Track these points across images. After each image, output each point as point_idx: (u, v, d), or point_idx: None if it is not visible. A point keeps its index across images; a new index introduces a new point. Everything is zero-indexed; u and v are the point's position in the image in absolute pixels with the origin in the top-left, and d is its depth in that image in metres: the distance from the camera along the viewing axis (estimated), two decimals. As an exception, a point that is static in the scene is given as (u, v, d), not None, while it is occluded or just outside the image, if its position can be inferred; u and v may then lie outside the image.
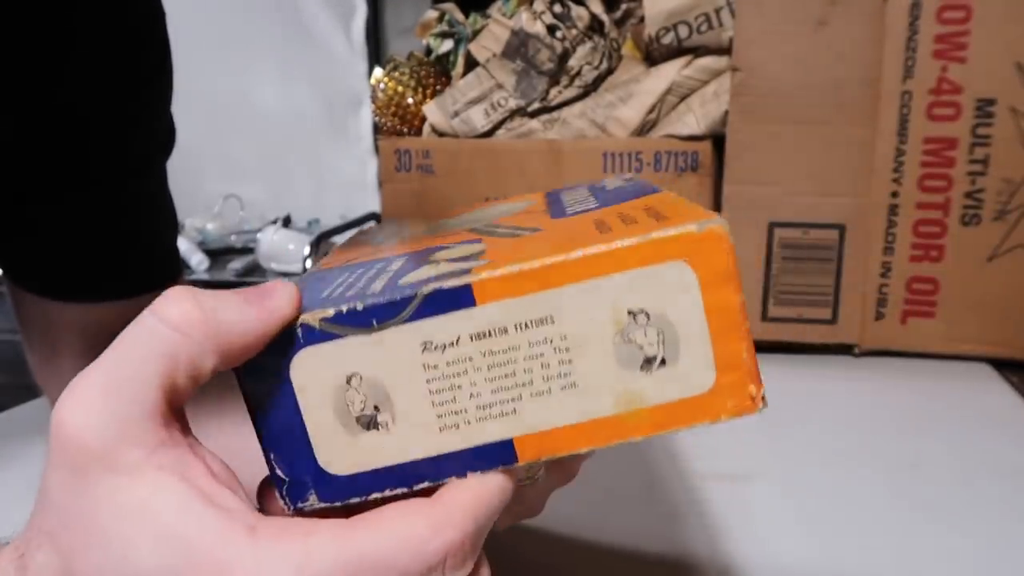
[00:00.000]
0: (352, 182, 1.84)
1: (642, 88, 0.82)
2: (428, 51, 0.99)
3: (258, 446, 0.25)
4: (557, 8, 0.86)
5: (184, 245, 1.53)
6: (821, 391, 0.68)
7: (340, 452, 0.24)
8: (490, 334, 0.23)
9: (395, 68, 0.96)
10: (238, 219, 1.78)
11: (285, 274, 1.47)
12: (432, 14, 0.99)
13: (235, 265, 1.56)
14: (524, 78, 0.86)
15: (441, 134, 0.90)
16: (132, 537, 0.21)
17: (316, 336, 0.24)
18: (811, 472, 0.54)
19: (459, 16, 0.97)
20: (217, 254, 1.65)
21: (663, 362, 0.23)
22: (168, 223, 0.52)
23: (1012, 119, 0.69)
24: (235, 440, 0.28)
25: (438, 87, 0.95)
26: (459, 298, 0.23)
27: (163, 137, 0.49)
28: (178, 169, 0.53)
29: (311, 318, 0.24)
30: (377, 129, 0.99)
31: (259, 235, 1.55)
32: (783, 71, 0.72)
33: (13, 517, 0.26)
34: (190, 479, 0.22)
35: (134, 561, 0.21)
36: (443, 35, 0.97)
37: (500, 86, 0.87)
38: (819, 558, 0.43)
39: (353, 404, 0.24)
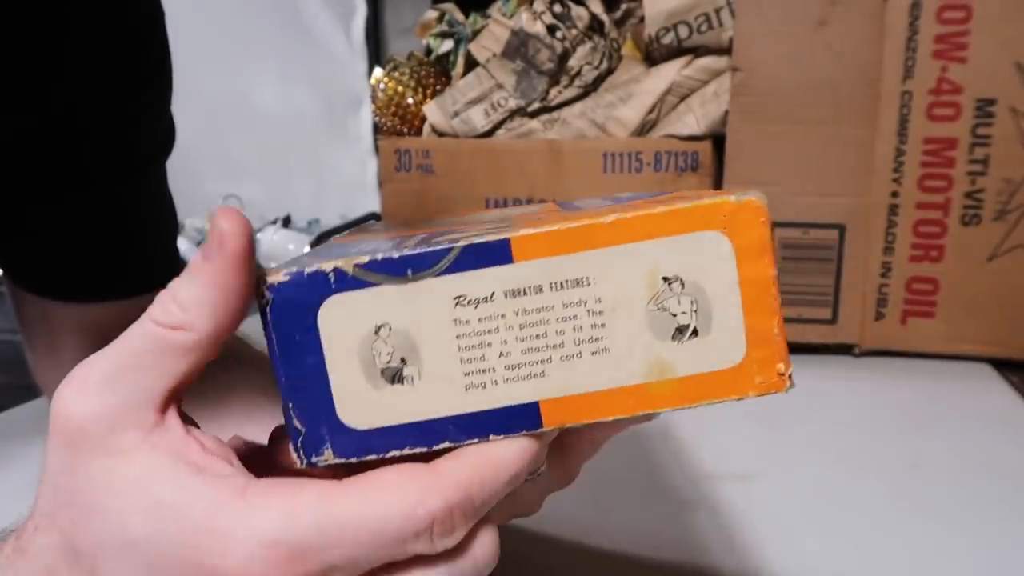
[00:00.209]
0: (352, 182, 1.84)
1: (642, 88, 0.82)
2: (428, 51, 0.99)
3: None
4: (557, 8, 0.86)
5: (184, 245, 1.53)
6: (821, 391, 0.68)
7: (361, 405, 0.24)
8: (524, 292, 0.23)
9: (395, 68, 0.96)
10: (238, 219, 1.77)
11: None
12: (432, 14, 0.99)
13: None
14: (524, 78, 0.86)
15: (441, 134, 0.90)
16: (127, 510, 0.22)
17: (348, 282, 0.23)
18: (811, 472, 0.54)
19: (459, 16, 0.97)
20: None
21: (695, 332, 0.23)
22: (168, 223, 0.52)
23: (1012, 119, 0.69)
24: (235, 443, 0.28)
25: (438, 87, 0.95)
26: (496, 253, 0.23)
27: (163, 137, 0.49)
28: (178, 169, 0.53)
29: (345, 263, 0.23)
30: (377, 129, 0.99)
31: (259, 235, 1.55)
32: (783, 71, 0.72)
33: (13, 516, 0.26)
34: (182, 455, 0.23)
35: (131, 531, 0.22)
36: (443, 35, 0.97)
37: (500, 86, 0.87)
38: (819, 558, 0.43)
39: (379, 355, 0.23)
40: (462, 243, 0.23)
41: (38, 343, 0.49)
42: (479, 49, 0.90)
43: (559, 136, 0.85)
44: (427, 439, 0.24)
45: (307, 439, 0.24)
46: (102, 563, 0.22)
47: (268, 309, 0.24)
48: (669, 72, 0.82)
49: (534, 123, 0.86)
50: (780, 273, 0.23)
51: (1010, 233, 0.71)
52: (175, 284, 0.23)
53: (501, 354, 0.23)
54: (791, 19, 0.71)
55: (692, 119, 0.80)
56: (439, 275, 0.23)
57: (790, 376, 0.24)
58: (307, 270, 0.23)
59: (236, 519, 0.22)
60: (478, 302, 0.23)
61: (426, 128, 0.92)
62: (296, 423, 0.24)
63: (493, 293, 0.23)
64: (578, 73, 0.85)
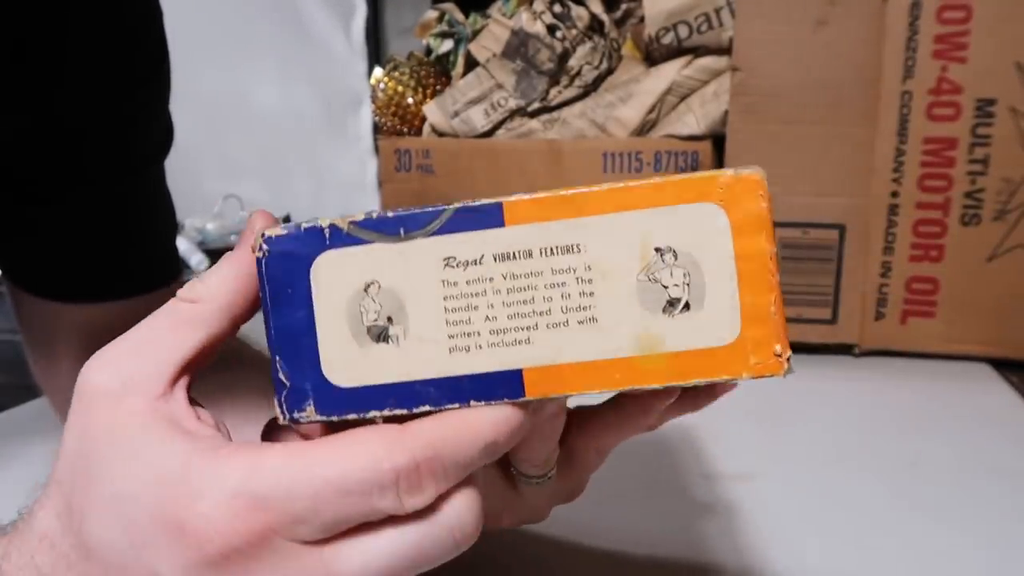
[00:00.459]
0: (352, 182, 1.84)
1: (642, 88, 0.82)
2: (428, 51, 0.99)
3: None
4: (557, 8, 0.86)
5: (184, 245, 1.52)
6: (821, 391, 0.68)
7: (345, 362, 0.24)
8: (514, 256, 0.23)
9: (395, 68, 0.96)
10: (238, 219, 1.78)
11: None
12: (432, 14, 0.99)
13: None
14: (524, 78, 0.86)
15: (441, 134, 0.90)
16: (115, 466, 0.23)
17: (342, 239, 0.24)
18: (811, 472, 0.54)
19: (459, 16, 0.97)
20: (217, 254, 1.64)
21: (687, 306, 0.23)
22: (167, 223, 0.52)
23: (1012, 119, 0.69)
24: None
25: (438, 87, 0.95)
26: (489, 216, 0.23)
27: (161, 137, 0.49)
28: (178, 169, 0.53)
29: (340, 221, 0.24)
30: (377, 129, 0.99)
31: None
32: (783, 71, 0.72)
33: (13, 516, 0.26)
34: (176, 421, 0.24)
35: (116, 486, 0.23)
36: (443, 35, 0.97)
37: (500, 86, 0.87)
38: (819, 558, 0.43)
39: (367, 313, 0.24)
40: (455, 205, 0.23)
41: (37, 343, 0.49)
42: (479, 49, 0.90)
43: (559, 136, 0.85)
44: (408, 401, 0.24)
45: (291, 394, 0.24)
46: (88, 518, 0.23)
47: (263, 261, 0.24)
48: (669, 72, 0.82)
49: (534, 123, 0.86)
50: (780, 273, 0.23)
51: (1010, 233, 0.71)
52: (206, 270, 0.25)
53: (487, 318, 0.23)
54: (791, 19, 0.71)
55: (692, 119, 0.80)
56: (431, 235, 0.23)
57: (788, 360, 0.23)
58: (304, 225, 0.24)
59: (205, 472, 0.22)
60: (467, 264, 0.23)
61: (426, 128, 0.92)
62: (281, 376, 0.24)
63: (483, 256, 0.23)
64: (578, 73, 0.85)
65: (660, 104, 0.82)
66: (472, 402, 0.23)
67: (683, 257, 0.23)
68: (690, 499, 0.50)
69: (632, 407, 0.30)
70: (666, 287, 0.23)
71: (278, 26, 1.81)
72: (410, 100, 0.94)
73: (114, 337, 0.25)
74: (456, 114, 0.88)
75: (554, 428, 0.29)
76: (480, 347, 0.23)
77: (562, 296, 0.23)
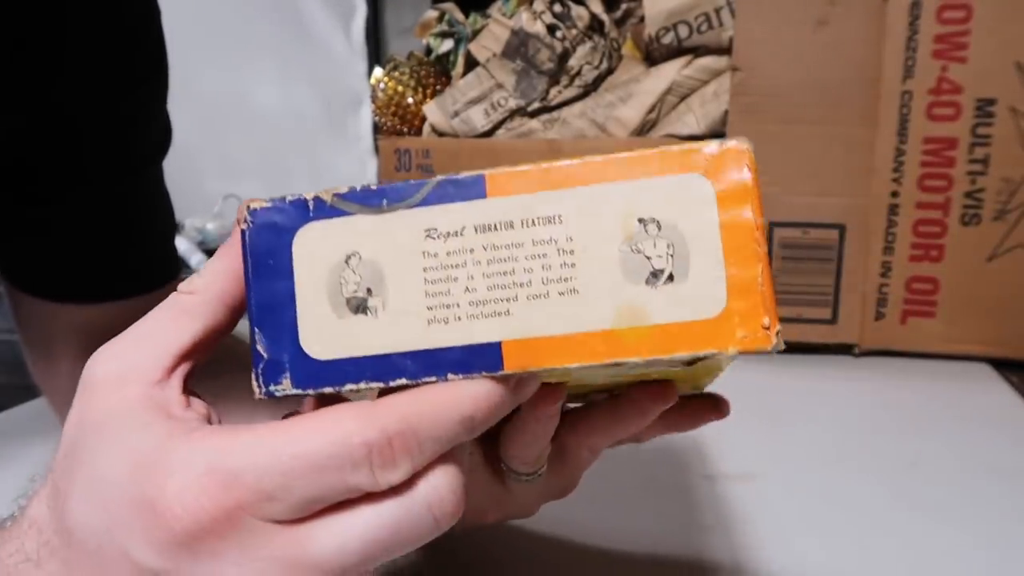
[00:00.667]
0: (352, 182, 1.84)
1: (642, 88, 0.82)
2: (428, 51, 0.99)
3: None
4: (557, 8, 0.86)
5: (184, 245, 1.52)
6: (821, 391, 0.68)
7: (323, 334, 0.24)
8: (495, 227, 0.23)
9: (395, 68, 0.96)
10: (238, 219, 1.77)
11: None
12: (432, 14, 0.99)
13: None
14: (524, 78, 0.86)
15: (441, 134, 0.90)
16: (99, 449, 0.23)
17: (325, 210, 0.24)
18: (811, 472, 0.54)
19: (459, 16, 0.97)
20: (217, 254, 1.65)
21: (671, 277, 0.22)
22: (166, 223, 0.52)
23: (1012, 119, 0.69)
24: None
25: (438, 87, 0.95)
26: (470, 188, 0.23)
27: (159, 137, 0.49)
28: (177, 169, 0.53)
29: (324, 193, 0.24)
30: (377, 129, 0.99)
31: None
32: (783, 71, 0.72)
33: (4, 514, 0.26)
34: (165, 407, 0.24)
35: (97, 468, 0.23)
36: (443, 35, 0.97)
37: (500, 86, 0.87)
38: (819, 557, 0.43)
39: (347, 284, 0.24)
40: (439, 177, 0.23)
41: (36, 344, 0.49)
42: (479, 49, 0.90)
43: (559, 136, 0.84)
44: (385, 374, 0.23)
45: (268, 366, 0.24)
46: (69, 500, 0.23)
47: (247, 233, 0.24)
48: (669, 72, 0.82)
49: (534, 123, 0.86)
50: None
51: (1010, 233, 0.71)
52: (205, 264, 0.26)
53: (467, 289, 0.23)
54: (791, 19, 0.71)
55: (692, 119, 0.80)
56: (413, 207, 0.23)
57: (777, 333, 0.22)
58: (288, 198, 0.24)
59: (178, 452, 0.22)
60: (448, 235, 0.23)
61: (426, 128, 0.92)
62: (259, 348, 0.24)
63: (464, 228, 0.23)
64: (578, 73, 0.85)
65: (660, 104, 0.82)
66: (450, 376, 0.23)
67: (667, 228, 0.22)
68: (688, 499, 0.50)
69: (626, 407, 0.30)
70: (649, 258, 0.22)
71: (278, 26, 1.81)
72: (410, 100, 0.94)
73: (114, 335, 0.25)
74: (456, 114, 0.88)
75: (547, 427, 0.29)
76: (459, 319, 0.23)
77: (543, 267, 0.23)
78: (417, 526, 0.22)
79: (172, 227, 0.53)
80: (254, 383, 0.24)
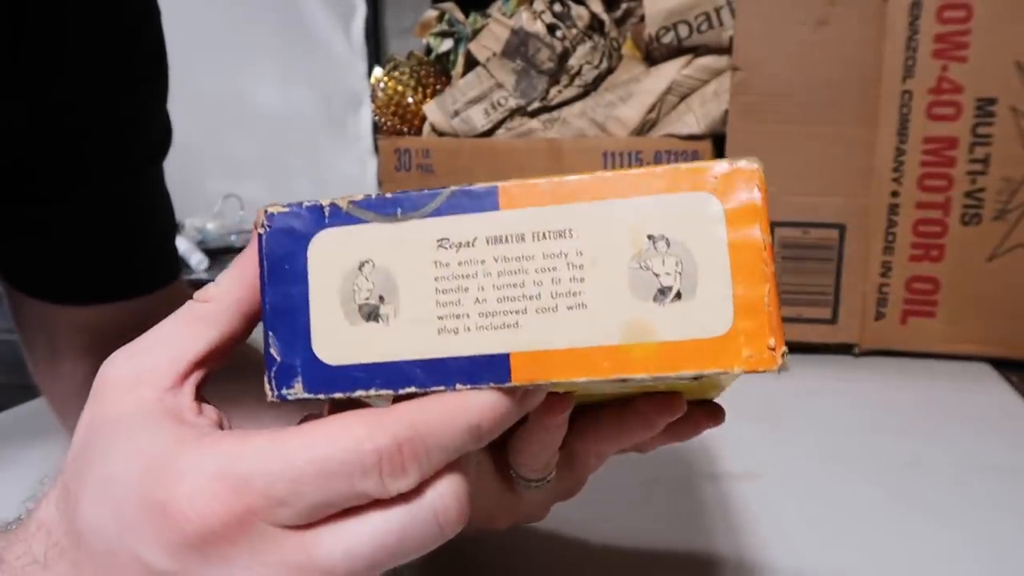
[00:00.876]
0: (352, 182, 1.84)
1: (642, 87, 0.82)
2: (428, 51, 0.99)
3: None
4: (557, 7, 0.86)
5: (184, 245, 1.52)
6: (821, 391, 0.68)
7: (336, 340, 0.24)
8: (506, 239, 0.23)
9: (395, 68, 0.96)
10: (238, 219, 1.78)
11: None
12: (432, 14, 0.99)
13: (235, 265, 1.56)
14: (524, 77, 0.86)
15: (441, 133, 0.90)
16: (111, 450, 0.23)
17: (341, 217, 0.24)
18: (811, 472, 0.54)
19: (459, 15, 0.97)
20: (217, 254, 1.65)
21: (678, 295, 0.22)
22: (166, 223, 0.52)
23: (1012, 118, 0.68)
24: None
25: (438, 87, 0.95)
26: (484, 199, 0.23)
27: (159, 137, 0.49)
28: (178, 168, 0.53)
29: (341, 200, 0.24)
30: (377, 129, 0.99)
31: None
32: (783, 71, 0.72)
33: (11, 516, 0.26)
34: (177, 412, 0.24)
35: (108, 469, 0.23)
36: (443, 34, 0.97)
37: (500, 85, 0.87)
38: (819, 557, 0.43)
39: (359, 291, 0.24)
40: (452, 187, 0.24)
41: (37, 345, 0.49)
42: (479, 48, 0.90)
43: (559, 135, 0.85)
44: (395, 381, 0.24)
45: (280, 370, 0.24)
46: (80, 502, 0.23)
47: (264, 237, 0.24)
48: (669, 71, 0.82)
49: (534, 122, 0.86)
50: (780, 273, 0.23)
51: (1010, 233, 0.71)
52: (222, 272, 0.26)
53: (477, 300, 0.23)
54: (791, 19, 0.71)
55: (692, 118, 0.80)
56: (426, 217, 0.24)
57: (783, 355, 0.22)
58: (305, 203, 0.24)
59: (189, 456, 0.22)
60: (460, 246, 0.23)
61: (426, 128, 0.92)
62: (273, 352, 0.24)
63: (475, 238, 0.23)
64: (578, 72, 0.85)
65: (660, 103, 0.82)
66: (458, 385, 0.23)
67: (676, 245, 0.22)
68: (688, 499, 0.50)
69: (634, 418, 0.30)
70: (657, 275, 0.23)
71: (278, 26, 1.81)
72: (410, 100, 0.94)
73: (115, 337, 0.25)
74: (456, 114, 0.88)
75: (555, 435, 0.29)
76: (468, 329, 0.23)
77: (552, 281, 0.23)
78: (423, 533, 0.23)
79: (172, 227, 0.53)
80: (266, 386, 0.24)
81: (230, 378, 0.28)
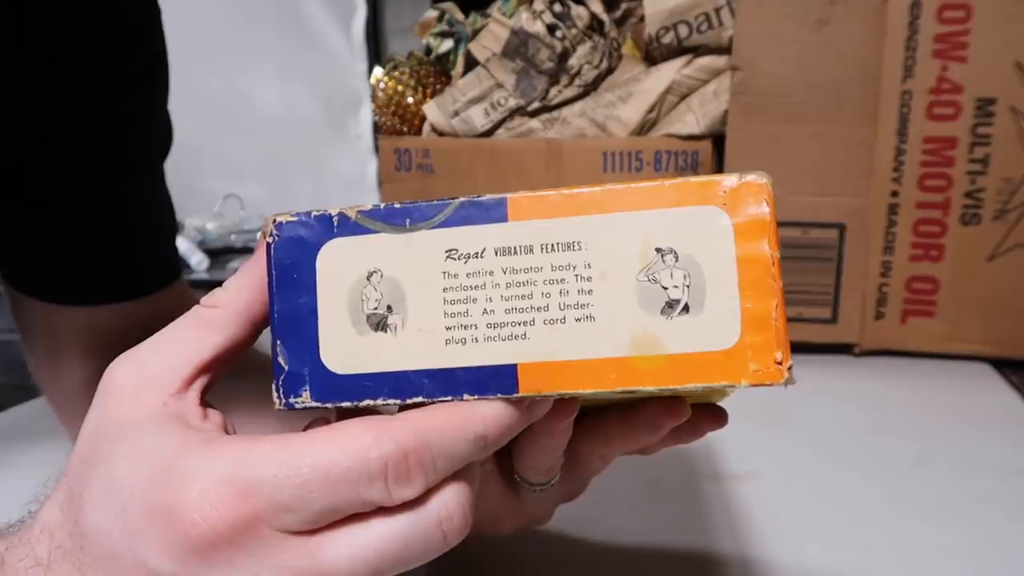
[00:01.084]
0: (352, 182, 1.84)
1: (642, 87, 0.82)
2: (428, 51, 0.99)
3: None
4: (557, 7, 0.86)
5: (184, 245, 1.52)
6: (821, 391, 0.68)
7: (344, 349, 0.24)
8: (515, 251, 0.23)
9: (395, 68, 0.96)
10: (238, 219, 1.78)
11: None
12: (432, 14, 0.99)
13: (235, 265, 1.56)
14: (524, 77, 0.86)
15: (441, 133, 0.90)
16: (117, 454, 0.23)
17: (350, 227, 0.24)
18: (811, 472, 0.54)
19: (459, 16, 0.97)
20: (217, 254, 1.65)
21: (686, 308, 0.23)
22: (167, 224, 0.52)
23: (1012, 119, 0.69)
24: None
25: (438, 87, 0.95)
26: (492, 211, 0.24)
27: (160, 137, 0.49)
28: (178, 169, 0.53)
29: (349, 210, 0.24)
30: (377, 129, 0.99)
31: (259, 235, 1.55)
32: (783, 71, 0.72)
33: (13, 516, 0.26)
34: (182, 417, 0.24)
35: (114, 473, 0.23)
36: (443, 35, 0.97)
37: (500, 85, 0.87)
38: (818, 557, 0.43)
39: (368, 301, 0.24)
40: (461, 198, 0.24)
41: (38, 346, 0.49)
42: (479, 48, 0.90)
43: (559, 135, 0.85)
44: (402, 391, 0.24)
45: (288, 378, 0.24)
46: (86, 505, 0.23)
47: (273, 246, 0.25)
48: (669, 71, 0.82)
49: (534, 122, 0.86)
50: (783, 280, 0.23)
51: (1010, 232, 0.71)
52: (229, 278, 0.26)
53: (485, 311, 0.23)
54: (791, 19, 0.71)
55: (692, 118, 0.80)
56: (435, 227, 0.24)
57: (789, 369, 0.22)
58: (314, 212, 0.24)
59: (196, 460, 0.22)
60: (468, 257, 0.24)
61: (426, 127, 0.92)
62: (281, 360, 0.24)
63: (484, 249, 0.23)
64: (578, 72, 0.85)
65: (660, 103, 0.82)
66: (465, 396, 0.23)
67: (684, 259, 0.23)
68: (688, 499, 0.50)
69: (639, 422, 0.30)
70: (666, 288, 0.23)
71: (278, 26, 1.81)
72: (410, 100, 0.94)
73: (116, 337, 0.25)
74: (456, 113, 0.88)
75: (560, 440, 0.29)
76: (476, 340, 0.23)
77: (560, 293, 0.23)
78: (426, 541, 0.23)
79: (173, 228, 0.53)
80: (274, 394, 0.25)
81: (231, 377, 0.28)
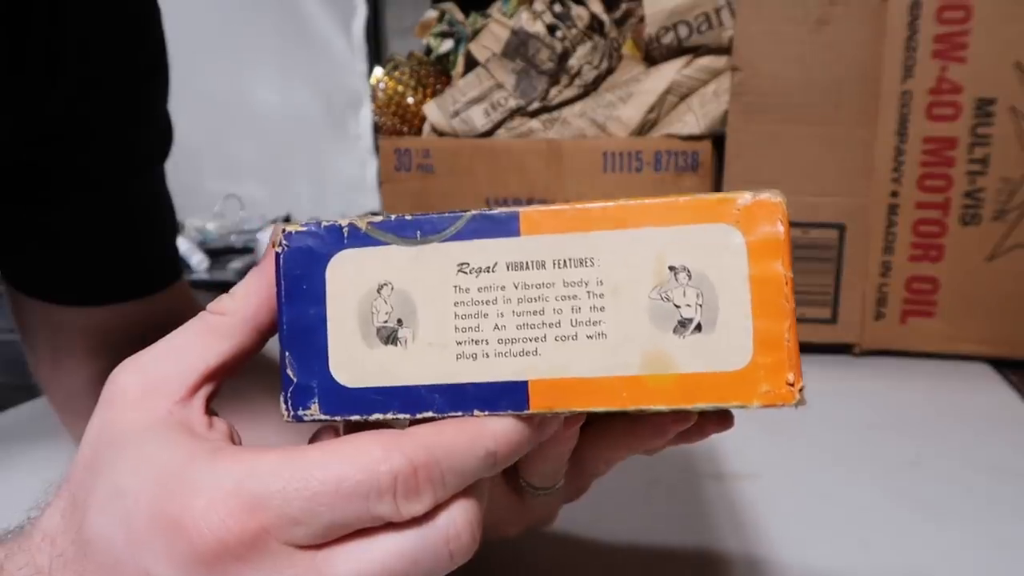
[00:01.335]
0: (352, 182, 1.84)
1: (642, 88, 0.82)
2: (428, 51, 0.99)
3: None
4: (557, 8, 0.86)
5: (184, 245, 1.52)
6: (821, 391, 0.67)
7: (353, 362, 0.24)
8: (527, 266, 0.23)
9: (395, 68, 0.96)
10: (238, 219, 1.78)
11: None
12: (432, 14, 0.99)
13: (235, 265, 1.56)
14: (524, 78, 0.86)
15: (441, 134, 0.90)
16: (121, 462, 0.23)
17: (360, 239, 0.24)
18: (811, 472, 0.54)
19: (459, 16, 0.97)
20: (217, 254, 1.65)
21: (699, 327, 0.22)
22: (168, 224, 0.52)
23: (1012, 119, 0.69)
24: None
25: (438, 87, 0.95)
26: (504, 225, 0.23)
27: (161, 137, 0.49)
28: (178, 169, 0.53)
29: (359, 220, 0.24)
30: (377, 129, 0.99)
31: (259, 235, 1.55)
32: (783, 71, 0.72)
33: (13, 516, 0.26)
34: (188, 425, 0.24)
35: (119, 481, 0.23)
36: (443, 35, 0.97)
37: (500, 86, 0.87)
38: (819, 557, 0.43)
39: (378, 314, 0.24)
40: (472, 211, 0.23)
41: (39, 346, 0.49)
42: (479, 49, 0.90)
43: (559, 135, 0.85)
44: (412, 406, 0.24)
45: (297, 390, 0.24)
46: (89, 512, 0.23)
47: (281, 256, 0.24)
48: (669, 72, 0.82)
49: (534, 123, 0.86)
50: (796, 300, 0.22)
51: (1010, 233, 0.71)
52: (236, 285, 0.26)
53: (496, 327, 0.23)
54: (791, 19, 0.71)
55: (692, 119, 0.80)
56: (446, 240, 0.23)
57: (801, 391, 0.22)
58: (324, 223, 0.24)
59: (204, 471, 0.22)
60: (480, 271, 0.23)
61: (426, 128, 0.92)
62: (289, 372, 0.24)
63: (496, 264, 0.23)
64: (578, 73, 0.85)
65: (660, 104, 0.82)
66: (476, 412, 0.23)
67: (697, 277, 0.22)
68: (688, 498, 0.50)
69: (643, 429, 0.30)
70: (678, 307, 0.22)
71: (278, 26, 1.81)
72: (410, 100, 0.94)
73: (117, 338, 0.25)
74: (456, 114, 0.88)
75: (566, 447, 0.29)
76: (487, 355, 0.23)
77: (572, 309, 0.23)
78: (433, 558, 0.23)
79: (174, 229, 0.53)
80: (282, 406, 0.24)
81: (237, 385, 0.28)
